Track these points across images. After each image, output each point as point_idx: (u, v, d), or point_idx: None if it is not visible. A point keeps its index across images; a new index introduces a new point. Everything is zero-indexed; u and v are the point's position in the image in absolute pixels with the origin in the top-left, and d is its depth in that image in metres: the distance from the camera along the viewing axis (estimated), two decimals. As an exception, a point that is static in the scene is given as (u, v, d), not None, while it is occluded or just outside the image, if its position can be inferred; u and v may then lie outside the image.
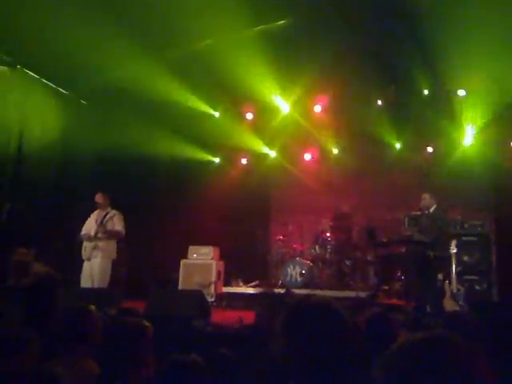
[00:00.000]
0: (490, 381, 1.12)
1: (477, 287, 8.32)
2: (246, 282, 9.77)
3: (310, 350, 1.57)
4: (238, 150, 11.22)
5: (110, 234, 7.45)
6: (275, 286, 9.18)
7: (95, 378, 2.39)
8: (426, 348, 1.13)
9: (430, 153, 10.13)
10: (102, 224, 7.41)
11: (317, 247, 9.67)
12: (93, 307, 2.88)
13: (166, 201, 10.50)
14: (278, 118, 10.52)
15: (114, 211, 7.60)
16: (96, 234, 7.38)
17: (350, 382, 1.56)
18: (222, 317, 6.83)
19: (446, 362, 1.09)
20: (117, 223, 7.52)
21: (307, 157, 11.18)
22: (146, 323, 2.58)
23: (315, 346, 1.57)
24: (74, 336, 2.66)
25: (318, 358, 1.55)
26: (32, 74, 8.92)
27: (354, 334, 1.69)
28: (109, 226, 7.45)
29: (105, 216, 7.49)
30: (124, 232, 7.59)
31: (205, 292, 7.45)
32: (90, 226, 7.58)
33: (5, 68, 8.22)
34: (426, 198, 7.44)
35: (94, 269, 7.33)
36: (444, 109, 9.39)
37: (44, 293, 3.16)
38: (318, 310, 1.67)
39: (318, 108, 10.40)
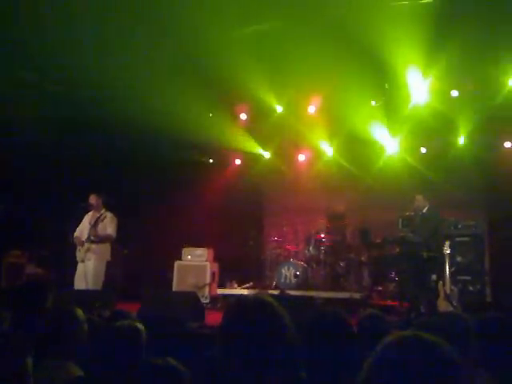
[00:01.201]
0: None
1: (470, 288, 8.33)
2: (241, 284, 9.76)
3: (243, 350, 1.53)
4: (232, 151, 11.21)
5: (101, 239, 7.41)
6: (270, 287, 9.18)
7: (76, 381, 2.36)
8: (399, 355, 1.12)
9: (423, 153, 10.16)
10: (94, 226, 7.38)
11: (311, 248, 9.67)
12: (78, 309, 2.83)
13: (159, 202, 10.48)
14: (272, 118, 10.51)
15: (106, 213, 7.56)
16: (89, 236, 7.35)
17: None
18: (216, 318, 6.81)
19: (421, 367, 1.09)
20: (108, 226, 7.47)
21: (301, 158, 11.19)
22: (139, 326, 2.56)
23: (249, 347, 1.53)
24: (56, 338, 2.62)
25: (252, 358, 1.51)
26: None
27: (294, 333, 1.63)
28: (100, 229, 7.40)
29: (98, 218, 7.46)
30: (114, 235, 7.52)
31: (199, 294, 7.45)
32: (83, 227, 7.55)
33: None
34: (419, 199, 7.47)
35: (88, 271, 7.29)
36: (437, 109, 9.42)
37: (33, 295, 3.13)
38: (253, 308, 1.62)
39: (311, 109, 10.40)
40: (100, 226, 7.41)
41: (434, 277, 7.02)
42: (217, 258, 9.70)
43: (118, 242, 8.27)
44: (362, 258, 9.58)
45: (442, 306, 6.60)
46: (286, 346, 1.57)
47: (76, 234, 7.54)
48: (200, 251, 9.49)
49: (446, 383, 1.07)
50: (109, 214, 7.55)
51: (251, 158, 11.23)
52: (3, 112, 8.15)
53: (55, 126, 9.25)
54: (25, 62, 7.93)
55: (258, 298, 1.68)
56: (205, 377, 2.14)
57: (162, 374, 1.88)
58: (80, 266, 7.39)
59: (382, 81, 9.29)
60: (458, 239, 8.49)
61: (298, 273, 9.12)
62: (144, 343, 2.52)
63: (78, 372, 2.46)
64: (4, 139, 8.50)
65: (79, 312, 2.80)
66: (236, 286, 9.71)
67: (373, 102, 9.81)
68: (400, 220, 8.76)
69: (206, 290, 9.04)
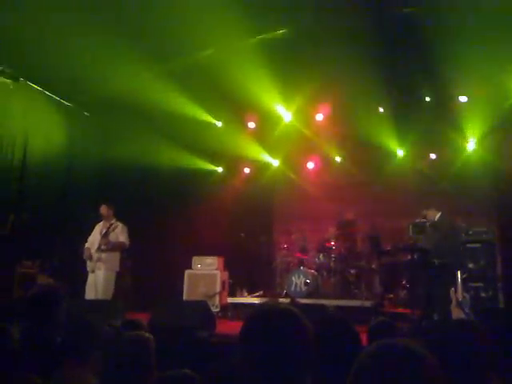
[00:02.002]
0: None
1: (482, 294, 8.26)
2: (251, 292, 9.74)
3: (265, 359, 1.49)
4: (241, 160, 11.24)
5: (114, 246, 7.47)
6: (280, 295, 9.15)
7: None
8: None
9: (433, 160, 10.12)
10: (105, 236, 7.43)
11: (321, 256, 9.64)
12: (94, 319, 2.86)
13: (169, 211, 10.51)
14: (281, 126, 10.54)
15: (117, 223, 7.62)
16: (99, 246, 7.40)
17: None
18: (227, 327, 6.80)
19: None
20: (120, 235, 7.54)
21: (310, 165, 11.19)
22: (148, 335, 2.56)
23: (272, 356, 1.48)
24: (72, 349, 2.64)
25: (275, 370, 1.47)
26: (35, 86, 8.99)
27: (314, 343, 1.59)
28: (112, 238, 7.46)
29: (109, 228, 7.51)
30: (128, 243, 7.61)
31: (209, 302, 7.43)
32: (94, 238, 7.61)
33: (8, 81, 8.28)
34: (431, 214, 7.40)
35: (98, 280, 7.34)
36: (446, 115, 9.39)
37: (45, 305, 3.15)
38: (275, 318, 1.56)
39: (319, 116, 10.42)
40: (111, 236, 7.47)
41: (445, 284, 6.96)
42: (227, 267, 9.69)
43: (128, 252, 8.31)
44: (373, 266, 9.53)
45: (455, 313, 6.54)
46: (311, 359, 1.54)
47: (87, 245, 7.59)
48: (210, 260, 9.49)
49: None
50: (120, 224, 7.61)
51: (260, 167, 11.25)
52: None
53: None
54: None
55: (282, 308, 1.62)
56: None
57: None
58: (91, 277, 7.44)
59: (391, 88, 9.30)
60: (469, 245, 8.43)
61: (308, 281, 9.09)
62: (153, 352, 2.53)
63: (94, 382, 2.47)
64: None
65: (96, 322, 2.83)
66: (246, 294, 9.69)
67: (380, 109, 9.81)
68: (411, 227, 8.72)
69: (217, 298, 9.03)
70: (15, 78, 8.42)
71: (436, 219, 7.36)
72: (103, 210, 7.67)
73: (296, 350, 1.50)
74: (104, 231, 7.50)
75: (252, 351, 1.52)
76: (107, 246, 7.39)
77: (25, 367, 2.35)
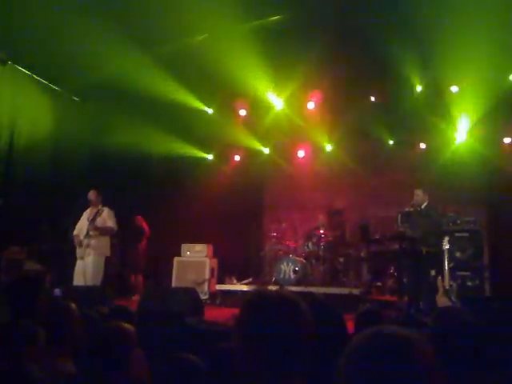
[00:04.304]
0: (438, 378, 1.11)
1: (469, 283, 8.33)
2: (240, 280, 9.76)
3: (263, 347, 1.47)
4: (231, 147, 11.20)
5: (102, 231, 7.43)
6: (269, 283, 9.18)
7: (73, 378, 2.34)
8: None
9: (422, 149, 10.15)
10: (92, 221, 7.39)
11: (310, 244, 9.66)
12: (73, 305, 2.80)
13: (158, 198, 10.48)
14: (272, 114, 10.50)
15: (104, 208, 7.59)
16: (87, 232, 7.36)
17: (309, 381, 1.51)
18: (215, 314, 6.82)
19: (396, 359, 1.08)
20: (107, 219, 7.50)
21: (300, 154, 11.18)
22: (128, 326, 2.52)
23: (269, 343, 1.47)
24: (51, 335, 2.61)
25: (274, 356, 1.46)
26: (23, 70, 8.87)
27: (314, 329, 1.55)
28: (99, 223, 7.42)
29: (96, 213, 7.47)
30: (116, 228, 7.58)
31: (198, 290, 7.44)
32: (82, 224, 7.57)
33: (-5, 64, 8.17)
34: (419, 194, 7.46)
35: (87, 266, 7.30)
36: (437, 105, 9.41)
37: (28, 291, 3.12)
38: (273, 304, 1.54)
39: (311, 104, 10.39)
40: (98, 221, 7.43)
41: (432, 272, 7.02)
42: (216, 254, 9.70)
43: (117, 238, 8.28)
44: (362, 254, 9.58)
45: (441, 301, 6.60)
46: (310, 345, 1.52)
47: (75, 232, 7.55)
48: (199, 247, 9.49)
49: (415, 378, 1.07)
50: (106, 208, 7.59)
51: (250, 154, 11.22)
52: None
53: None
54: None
55: (281, 294, 1.60)
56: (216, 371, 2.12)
57: (184, 368, 1.88)
58: (79, 263, 7.40)
59: (382, 77, 9.30)
60: (457, 235, 8.49)
61: (297, 268, 9.12)
62: (135, 343, 2.49)
63: (73, 369, 2.44)
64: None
65: (73, 307, 2.78)
66: (235, 281, 9.71)
67: (372, 98, 9.81)
68: (399, 216, 8.73)
69: (205, 285, 9.05)
70: (3, 62, 8.30)
71: (423, 207, 7.40)
72: (92, 195, 7.62)
73: (295, 336, 1.49)
74: (91, 217, 7.46)
75: (250, 335, 1.51)
76: (96, 231, 7.35)
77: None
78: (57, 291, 4.56)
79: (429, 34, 7.40)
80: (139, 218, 10.07)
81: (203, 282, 9.04)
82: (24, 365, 1.48)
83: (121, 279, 9.66)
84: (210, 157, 11.58)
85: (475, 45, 7.36)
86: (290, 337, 1.48)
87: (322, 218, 9.94)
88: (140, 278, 9.78)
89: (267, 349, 1.47)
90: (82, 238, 7.38)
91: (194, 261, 9.39)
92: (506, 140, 9.57)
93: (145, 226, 10.10)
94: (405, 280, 7.75)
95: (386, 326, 1.17)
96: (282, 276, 9.14)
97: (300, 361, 1.49)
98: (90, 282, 7.15)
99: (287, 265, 9.22)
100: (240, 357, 1.49)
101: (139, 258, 9.87)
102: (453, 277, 7.40)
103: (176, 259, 9.44)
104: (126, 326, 2.49)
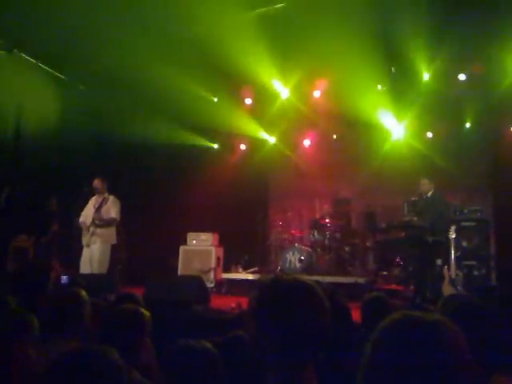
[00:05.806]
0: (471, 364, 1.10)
1: (475, 272, 8.31)
2: (246, 268, 9.78)
3: (280, 333, 1.45)
4: (237, 136, 11.18)
5: (105, 222, 7.44)
6: (274, 272, 9.20)
7: None
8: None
9: (429, 138, 10.09)
10: (98, 210, 7.41)
11: (315, 233, 9.66)
12: (83, 292, 2.83)
13: (164, 187, 10.49)
14: (277, 103, 10.45)
15: (109, 196, 7.59)
16: (93, 220, 7.37)
17: (324, 365, 1.49)
18: (221, 303, 6.85)
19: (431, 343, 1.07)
20: (111, 209, 7.50)
21: (306, 142, 11.14)
22: (143, 310, 2.56)
23: (286, 329, 1.45)
24: (60, 319, 2.63)
25: (290, 341, 1.44)
26: (29, 58, 8.85)
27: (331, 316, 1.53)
28: (103, 213, 7.43)
29: (102, 202, 7.48)
30: (118, 218, 7.57)
31: (204, 278, 7.46)
32: (87, 212, 7.59)
33: (1, 52, 8.15)
34: (425, 182, 7.44)
35: (94, 254, 7.32)
36: (445, 93, 9.33)
37: (34, 278, 3.14)
38: (291, 290, 1.52)
39: (317, 93, 10.33)
40: (103, 209, 7.44)
41: (439, 261, 7.01)
42: (222, 243, 9.71)
43: (122, 227, 8.30)
44: (367, 243, 9.58)
45: (447, 290, 6.59)
46: (326, 329, 1.51)
47: (81, 219, 7.58)
48: (205, 236, 9.51)
49: (443, 364, 1.06)
50: (111, 197, 7.59)
51: (256, 143, 11.19)
52: None
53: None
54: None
55: (298, 280, 1.58)
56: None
57: (198, 355, 1.88)
58: (86, 251, 7.42)
59: (388, 65, 9.21)
60: (463, 224, 8.46)
61: (302, 258, 9.13)
62: (147, 327, 2.52)
63: None
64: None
65: (83, 293, 2.81)
66: (241, 270, 9.74)
67: (379, 87, 9.73)
68: (405, 205, 8.71)
69: (211, 274, 9.07)
70: (9, 50, 8.29)
71: (429, 195, 7.38)
72: (97, 183, 7.62)
73: (311, 322, 1.48)
74: (97, 205, 7.48)
75: (265, 321, 1.49)
76: (100, 221, 7.37)
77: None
78: (64, 278, 4.59)
79: (438, 20, 7.31)
80: None
81: (209, 271, 9.06)
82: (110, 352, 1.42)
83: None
84: (216, 146, 11.57)
85: (484, 31, 7.29)
86: (306, 323, 1.46)
87: (327, 207, 9.94)
88: None
89: (282, 335, 1.45)
90: (88, 224, 7.41)
91: (200, 249, 9.41)
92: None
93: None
94: (411, 269, 7.75)
95: (408, 312, 1.16)
96: (287, 265, 9.16)
97: (315, 348, 1.48)
98: (96, 270, 7.19)
99: (293, 254, 9.23)
100: (253, 343, 1.48)
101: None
102: (459, 266, 7.38)
103: (182, 248, 9.47)
104: (143, 311, 2.51)
